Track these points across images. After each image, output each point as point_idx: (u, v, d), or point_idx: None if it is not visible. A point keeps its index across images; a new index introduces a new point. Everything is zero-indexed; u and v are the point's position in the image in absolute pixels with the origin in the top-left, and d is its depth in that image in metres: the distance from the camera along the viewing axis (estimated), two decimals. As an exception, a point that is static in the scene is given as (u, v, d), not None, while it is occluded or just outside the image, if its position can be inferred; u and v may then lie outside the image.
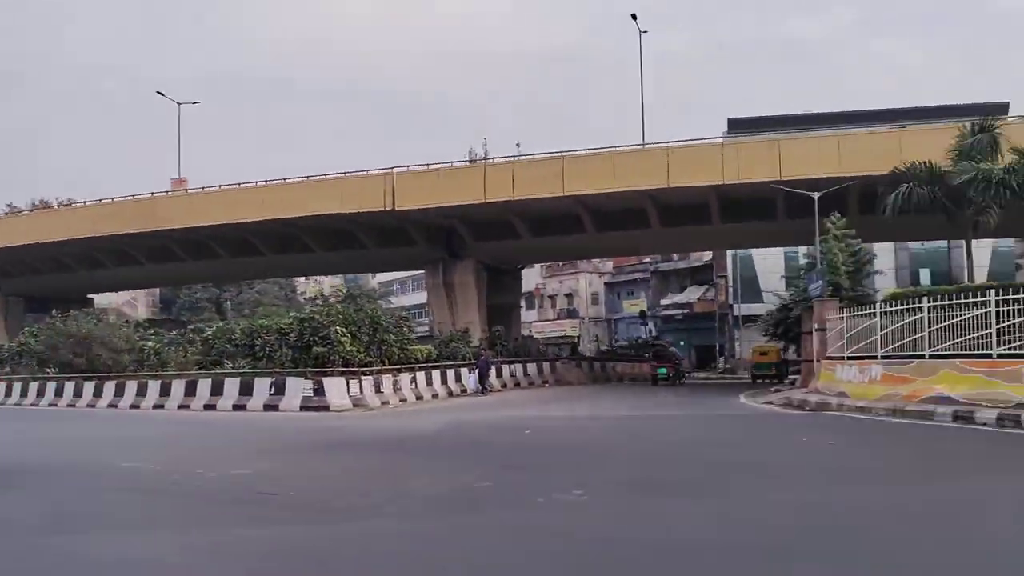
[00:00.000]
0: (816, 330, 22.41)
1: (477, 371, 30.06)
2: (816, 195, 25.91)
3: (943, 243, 47.81)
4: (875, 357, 18.45)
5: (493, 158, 35.92)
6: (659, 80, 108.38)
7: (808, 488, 8.55)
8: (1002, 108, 35.11)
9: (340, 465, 11.94)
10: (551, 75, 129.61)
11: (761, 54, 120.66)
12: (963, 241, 45.87)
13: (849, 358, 19.87)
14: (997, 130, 21.41)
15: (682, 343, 58.36)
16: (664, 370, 37.17)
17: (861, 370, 18.98)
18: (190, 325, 40.34)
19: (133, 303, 78.46)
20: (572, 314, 67.31)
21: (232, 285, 78.64)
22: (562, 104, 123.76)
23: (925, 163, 21.92)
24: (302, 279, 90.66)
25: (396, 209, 34.80)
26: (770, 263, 51.73)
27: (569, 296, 68.30)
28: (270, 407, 23.02)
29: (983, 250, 46.41)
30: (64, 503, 8.95)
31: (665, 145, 32.17)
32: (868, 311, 19.25)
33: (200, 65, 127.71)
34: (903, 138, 28.23)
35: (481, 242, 38.12)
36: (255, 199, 37.23)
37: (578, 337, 64.45)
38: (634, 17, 38.75)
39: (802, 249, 49.70)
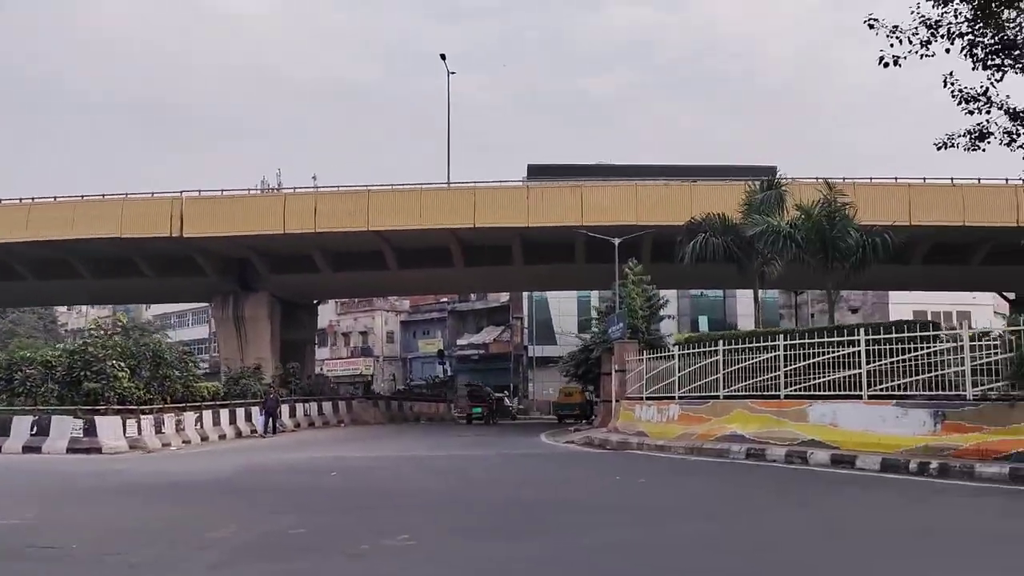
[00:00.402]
0: (616, 371, 23.16)
1: (265, 411, 28.10)
2: (617, 240, 27.05)
3: (720, 292, 51.76)
4: (673, 397, 19.27)
5: (295, 188, 34.59)
6: (456, 123, 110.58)
7: (633, 526, 8.52)
8: (770, 171, 38.56)
9: (128, 513, 10.59)
10: (348, 110, 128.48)
11: (553, 106, 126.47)
12: (736, 291, 50.31)
13: (648, 398, 20.63)
14: (783, 188, 23.43)
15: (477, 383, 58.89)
16: (479, 409, 37.54)
17: (660, 410, 19.74)
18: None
19: None
20: (366, 352, 66.05)
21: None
22: (357, 140, 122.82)
23: (719, 215, 23.53)
24: (63, 309, 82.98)
25: (184, 236, 32.49)
26: (564, 306, 53.56)
27: (364, 334, 67.02)
28: (30, 449, 20.36)
29: (751, 300, 50.80)
30: None
31: (472, 185, 32.45)
32: (667, 353, 20.12)
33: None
34: (694, 192, 30.25)
35: (277, 275, 36.46)
36: (17, 218, 33.34)
37: (372, 376, 63.28)
38: (443, 57, 39.24)
39: (594, 293, 52.07)
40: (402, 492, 12.28)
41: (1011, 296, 39.72)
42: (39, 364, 22.74)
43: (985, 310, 44.94)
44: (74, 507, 11.26)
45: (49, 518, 9.99)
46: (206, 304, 67.63)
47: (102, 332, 31.47)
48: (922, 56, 13.60)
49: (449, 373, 59.20)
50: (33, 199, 33.43)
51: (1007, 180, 29.02)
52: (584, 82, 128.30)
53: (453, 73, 39.55)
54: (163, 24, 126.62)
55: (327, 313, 62.66)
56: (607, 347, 25.82)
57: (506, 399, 44.91)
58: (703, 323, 51.21)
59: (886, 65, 13.62)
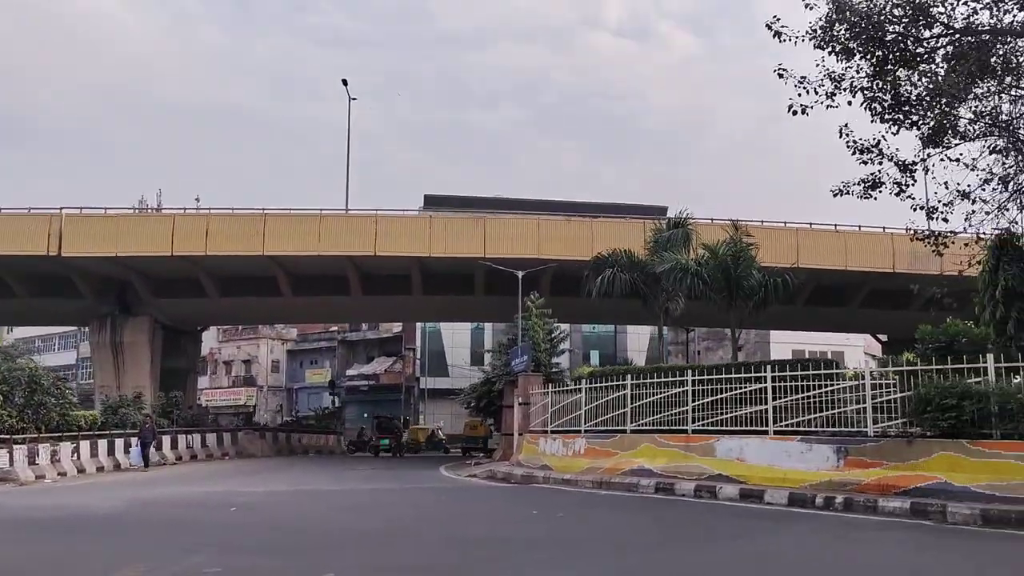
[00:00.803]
0: (520, 404, 23.06)
1: (141, 441, 26.19)
2: (520, 273, 27.16)
3: (611, 328, 52.72)
4: (579, 431, 19.30)
5: (185, 208, 33.08)
6: (344, 150, 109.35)
7: (573, 560, 8.40)
8: (662, 211, 39.78)
9: (17, 551, 9.68)
10: (228, 134, 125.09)
11: (440, 139, 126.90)
12: (627, 327, 51.38)
13: (553, 432, 20.59)
14: (689, 227, 24.09)
15: (365, 415, 57.58)
16: (387, 441, 38.02)
17: (565, 444, 19.72)
18: None
19: None
20: (249, 382, 63.68)
21: None
22: (242, 164, 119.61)
23: (626, 251, 23.98)
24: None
25: (62, 256, 30.57)
26: (458, 338, 53.30)
27: (247, 362, 64.65)
28: None
29: (643, 336, 51.97)
30: None
31: (373, 213, 31.96)
32: (573, 387, 20.18)
33: None
34: (594, 228, 30.78)
35: (160, 298, 34.79)
36: None
37: (255, 406, 61.05)
38: (345, 83, 38.67)
39: (488, 326, 52.13)
40: (313, 529, 11.73)
41: (883, 338, 42.10)
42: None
43: (856, 351, 47.37)
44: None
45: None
46: (74, 328, 63.88)
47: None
48: (828, 107, 14.33)
49: (338, 404, 57.75)
50: None
51: (884, 228, 30.96)
52: (472, 117, 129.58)
53: (355, 99, 38.97)
54: (29, 38, 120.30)
55: (208, 340, 60.02)
56: (510, 379, 25.74)
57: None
58: (595, 357, 51.97)
59: (795, 113, 14.26)
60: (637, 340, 52.77)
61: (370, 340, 60.51)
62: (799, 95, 14.15)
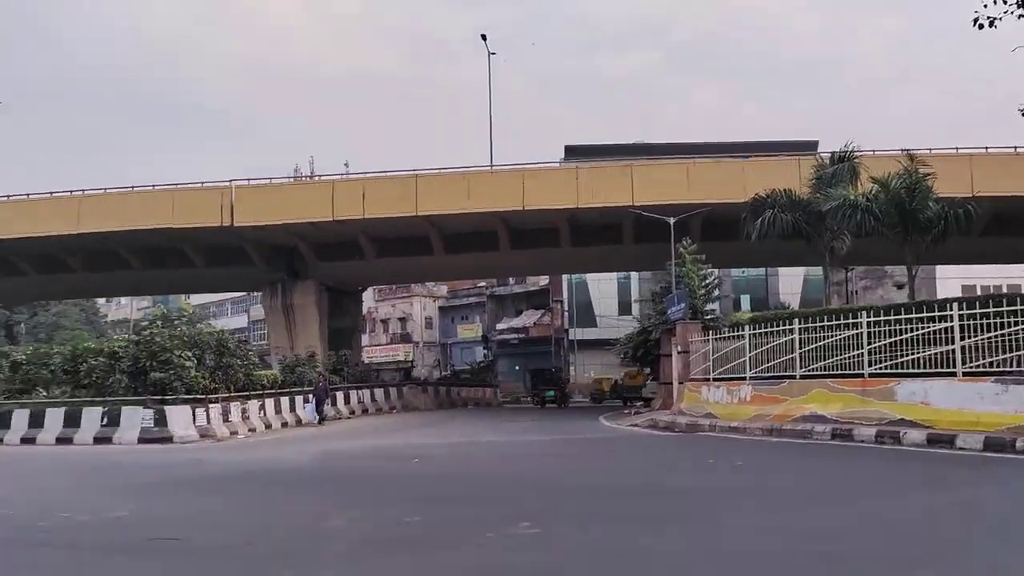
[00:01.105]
0: (679, 352, 22.87)
1: (314, 399, 27.90)
2: (672, 219, 26.68)
3: (761, 271, 51.16)
4: (744, 378, 18.96)
5: (343, 174, 34.48)
6: (482, 106, 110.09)
7: (772, 511, 8.29)
8: (812, 146, 37.90)
9: (228, 504, 10.57)
10: (370, 98, 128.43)
11: (572, 88, 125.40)
12: (778, 269, 49.66)
13: (716, 380, 20.35)
14: (856, 161, 22.87)
15: (517, 367, 58.74)
16: (552, 392, 38.47)
17: (729, 391, 19.45)
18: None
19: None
20: (405, 338, 66.19)
21: (26, 307, 71.48)
22: (384, 128, 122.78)
23: (786, 191, 23.10)
24: (103, 301, 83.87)
25: (235, 225, 32.59)
26: (605, 288, 53.26)
27: (402, 320, 67.15)
28: (102, 440, 20.58)
29: (795, 278, 50.11)
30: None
31: (520, 168, 32.18)
32: (735, 333, 19.80)
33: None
34: (746, 168, 29.77)
35: (324, 262, 36.50)
36: (68, 210, 33.63)
37: (412, 362, 63.40)
38: (484, 37, 38.84)
39: (634, 275, 51.74)
40: (498, 479, 12.15)
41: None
42: (105, 355, 22.93)
43: (1035, 283, 43.91)
44: (172, 498, 11.27)
45: (152, 510, 9.99)
46: (243, 294, 68.32)
47: (170, 322, 31.58)
48: (1020, 16, 13.13)
49: (490, 357, 59.16)
50: (84, 191, 33.68)
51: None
52: (604, 62, 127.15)
53: (494, 54, 39.11)
54: (177, 21, 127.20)
55: (366, 300, 62.85)
56: (666, 328, 25.50)
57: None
58: (745, 302, 50.67)
59: (980, 27, 13.16)
60: (789, 283, 50.96)
61: (517, 294, 61.43)
62: (985, 6, 13.05)
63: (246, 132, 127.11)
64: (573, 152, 47.11)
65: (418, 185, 31.94)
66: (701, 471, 12.19)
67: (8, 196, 34.83)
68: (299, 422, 26.79)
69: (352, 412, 31.10)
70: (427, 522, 8.61)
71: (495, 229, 34.00)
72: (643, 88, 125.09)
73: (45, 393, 25.12)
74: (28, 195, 34.25)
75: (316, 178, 35.11)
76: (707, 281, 27.93)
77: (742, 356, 19.15)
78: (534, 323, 58.48)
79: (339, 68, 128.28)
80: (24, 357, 25.11)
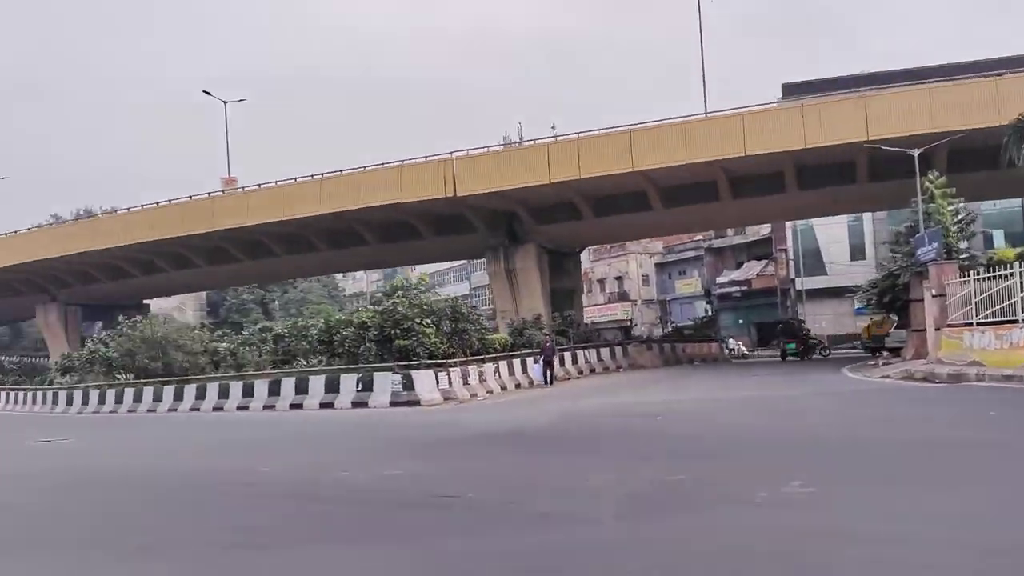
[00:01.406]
0: (934, 296, 21.05)
1: (542, 360, 28.32)
2: (916, 152, 24.48)
3: (1016, 202, 46.00)
4: (1016, 321, 17.13)
5: (557, 136, 34.68)
6: (683, 54, 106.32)
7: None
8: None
9: (490, 463, 10.98)
10: (564, 59, 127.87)
11: (781, 20, 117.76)
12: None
13: (980, 324, 18.55)
14: None
15: (740, 321, 56.96)
16: (793, 345, 37.69)
17: (998, 336, 17.65)
18: (258, 326, 39.76)
19: (182, 308, 78.41)
20: (623, 297, 66.10)
21: (276, 285, 78.55)
22: (581, 90, 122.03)
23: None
24: (340, 276, 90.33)
25: (457, 195, 33.81)
26: (833, 233, 50.21)
27: (619, 279, 67.06)
28: (358, 404, 22.21)
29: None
30: (230, 514, 8.10)
31: (739, 111, 30.80)
32: (1002, 271, 17.90)
33: (227, 65, 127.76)
34: (1000, 87, 26.64)
35: (543, 225, 37.05)
36: (311, 193, 36.47)
37: (631, 320, 63.24)
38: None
39: (867, 217, 48.29)
40: (750, 434, 11.80)
41: None
42: (355, 326, 24.69)
43: None
44: (436, 458, 11.88)
45: (422, 469, 10.55)
46: (464, 262, 71.10)
47: (409, 292, 33.58)
48: None
49: (711, 312, 57.79)
50: (323, 175, 36.28)
51: None
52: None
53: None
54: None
55: (581, 261, 63.36)
56: (916, 271, 23.54)
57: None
58: (998, 238, 45.78)
59: None
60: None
61: (737, 245, 59.37)
62: None
63: (455, 105, 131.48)
64: (792, 91, 44.55)
65: (633, 140, 31.47)
66: (986, 424, 11.14)
67: (259, 185, 38.28)
68: (530, 383, 27.48)
69: (580, 372, 31.52)
70: (694, 480, 8.49)
71: (714, 179, 32.90)
72: (851, 12, 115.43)
73: (304, 362, 27.55)
74: (276, 182, 37.43)
75: (531, 142, 35.51)
76: (959, 217, 25.39)
77: (1012, 297, 17.29)
78: (756, 274, 56.33)
79: (530, 29, 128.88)
80: (285, 331, 27.62)
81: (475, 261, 67.71)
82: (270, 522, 7.62)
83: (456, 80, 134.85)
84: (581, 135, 33.15)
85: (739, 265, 58.99)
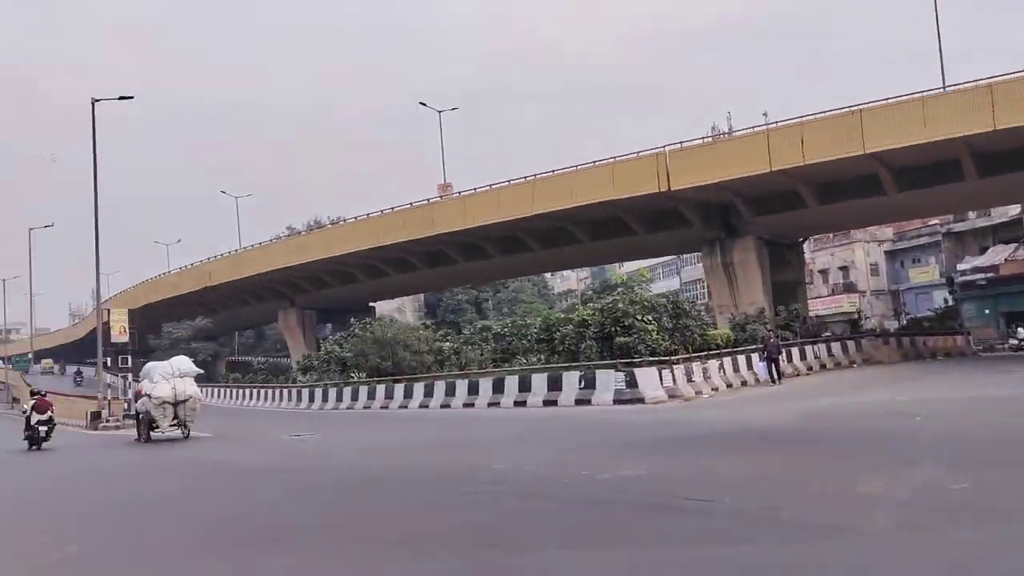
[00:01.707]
0: None
1: (766, 356, 26.64)
2: None
3: None
4: None
5: (775, 122, 32.97)
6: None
7: None
8: None
9: (735, 463, 10.42)
10: (757, 46, 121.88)
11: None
12: None
13: None
14: None
15: (987, 311, 51.64)
16: None
17: None
18: (477, 325, 41.07)
19: (402, 309, 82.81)
20: (848, 288, 61.90)
21: (489, 286, 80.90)
22: (786, 76, 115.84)
23: None
24: (548, 275, 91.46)
25: (671, 189, 33.02)
26: (1102, 210, 44.28)
27: (843, 269, 62.88)
28: (581, 401, 22.15)
29: None
30: (478, 513, 8.14)
31: (987, 82, 27.74)
32: None
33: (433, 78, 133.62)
34: None
35: (761, 216, 35.37)
36: (524, 195, 37.07)
37: (859, 312, 59.14)
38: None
39: None
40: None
41: None
42: (575, 324, 24.69)
43: None
44: (676, 457, 11.46)
45: (664, 469, 10.19)
46: (673, 257, 69.64)
47: (631, 289, 33.35)
48: None
49: (951, 302, 52.81)
50: (535, 176, 36.79)
51: None
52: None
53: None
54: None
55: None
56: None
57: None
58: None
59: None
60: None
61: (980, 228, 53.79)
62: None
63: (658, 103, 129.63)
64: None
65: (863, 120, 29.26)
66: None
67: (475, 189, 39.48)
68: (756, 380, 26.23)
69: (809, 368, 29.70)
70: (976, 488, 7.58)
71: (957, 157, 29.89)
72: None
73: (524, 360, 27.98)
74: (491, 186, 38.45)
75: (748, 130, 33.98)
76: None
77: None
78: (1005, 259, 50.72)
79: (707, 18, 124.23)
80: (505, 329, 28.18)
81: (685, 256, 66.25)
82: (519, 522, 7.56)
83: (657, 79, 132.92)
84: (803, 119, 31.25)
85: (983, 250, 53.44)
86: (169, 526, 8.70)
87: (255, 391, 43.86)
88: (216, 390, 48.44)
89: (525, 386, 23.67)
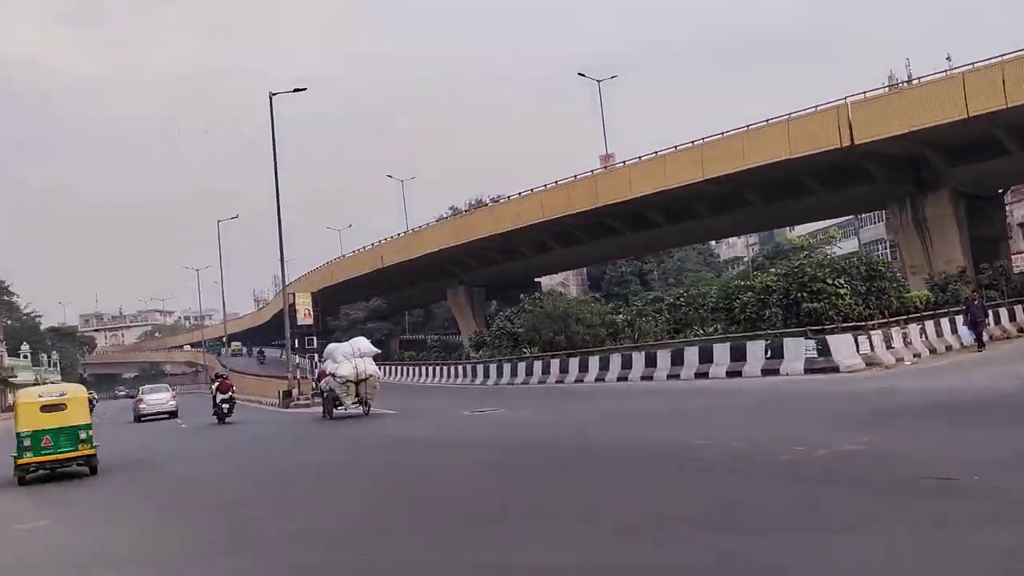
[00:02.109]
0: None
1: (970, 319, 24.24)
2: None
3: None
4: None
5: (973, 63, 29.97)
6: None
7: None
8: None
9: (967, 438, 9.42)
10: None
11: None
12: None
13: None
14: None
15: None
16: None
17: None
18: (650, 296, 40.36)
19: (565, 284, 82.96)
20: (1054, 242, 56.16)
21: (653, 256, 79.42)
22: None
23: None
24: (712, 243, 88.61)
25: (854, 144, 30.79)
26: None
27: (1048, 221, 57.11)
28: (768, 372, 21.09)
29: None
30: (701, 492, 7.68)
31: None
32: None
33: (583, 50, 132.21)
34: None
35: (956, 167, 32.38)
36: (690, 160, 35.79)
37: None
38: None
39: None
40: None
41: None
42: (756, 290, 23.54)
43: None
44: (895, 430, 10.56)
45: (882, 444, 9.40)
46: (850, 218, 65.61)
47: (823, 251, 31.58)
48: None
49: None
50: (703, 139, 35.42)
51: None
52: None
53: None
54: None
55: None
56: None
57: None
58: None
59: None
60: None
61: None
62: None
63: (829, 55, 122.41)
64: None
65: (1077, 52, 26.12)
66: None
67: (639, 158, 38.54)
68: (961, 345, 24.08)
69: (1020, 330, 27.00)
70: None
71: None
72: None
73: (701, 331, 27.07)
74: (656, 153, 37.39)
75: (941, 74, 31.09)
76: None
77: None
78: None
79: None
80: (682, 299, 27.33)
81: (863, 216, 62.39)
82: (749, 502, 7.03)
83: (826, 29, 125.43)
84: (1004, 58, 28.26)
85: None
86: (401, 500, 8.84)
87: (427, 368, 45.18)
88: (390, 367, 50.33)
89: (706, 357, 22.82)
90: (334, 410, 22.47)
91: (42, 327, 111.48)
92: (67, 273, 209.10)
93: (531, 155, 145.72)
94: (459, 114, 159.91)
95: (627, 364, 25.58)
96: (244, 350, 77.38)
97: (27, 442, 13.41)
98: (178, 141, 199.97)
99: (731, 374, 21.78)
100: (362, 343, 22.65)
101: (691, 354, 23.36)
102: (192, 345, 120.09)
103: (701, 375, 22.55)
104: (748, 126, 33.99)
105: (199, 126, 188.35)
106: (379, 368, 23.76)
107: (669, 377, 23.54)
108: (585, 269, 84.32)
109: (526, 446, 12.43)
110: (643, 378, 24.49)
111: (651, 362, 24.68)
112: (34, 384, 61.18)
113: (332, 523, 7.85)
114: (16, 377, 77.77)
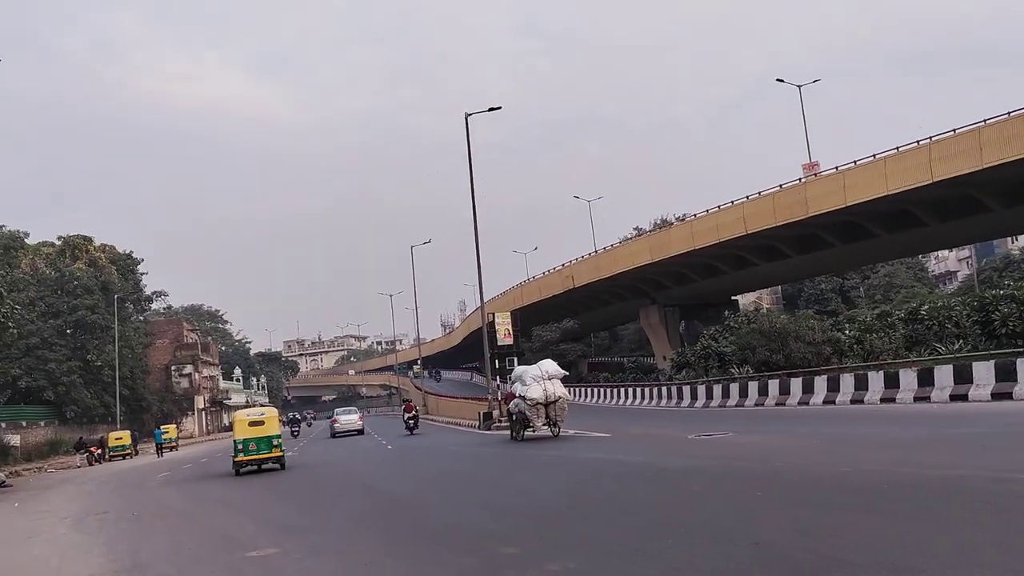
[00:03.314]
0: None
1: None
2: None
3: None
4: None
5: None
6: None
7: None
8: None
9: None
10: None
11: None
12: None
13: None
14: None
15: None
16: None
17: None
18: (875, 311, 37.11)
19: (758, 303, 79.10)
20: None
21: (855, 272, 74.36)
22: None
23: None
24: (919, 256, 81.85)
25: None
26: None
27: None
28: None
29: None
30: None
31: None
32: None
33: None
34: None
35: None
36: (916, 161, 32.52)
37: None
38: None
39: None
40: None
41: None
42: (1018, 301, 20.55)
43: None
44: None
45: None
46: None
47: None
48: None
49: None
50: (931, 139, 32.14)
51: None
52: None
53: None
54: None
55: None
56: None
57: None
58: None
59: None
60: None
61: None
62: None
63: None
64: None
65: None
66: None
67: (855, 162, 35.57)
68: None
69: None
70: None
71: None
72: None
73: (941, 348, 24.12)
74: (874, 156, 34.34)
75: None
76: None
77: None
78: None
79: None
80: (920, 313, 24.49)
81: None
82: None
83: None
84: None
85: None
86: (678, 537, 7.53)
87: (623, 389, 43.61)
88: (580, 389, 49.29)
89: (963, 376, 20.01)
90: (524, 432, 22.81)
91: (251, 352, 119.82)
92: (272, 301, 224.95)
93: (719, 172, 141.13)
94: (642, 135, 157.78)
95: (861, 385, 22.97)
96: (424, 373, 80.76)
97: (240, 447, 20.24)
98: (371, 170, 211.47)
99: (997, 396, 18.92)
100: (550, 365, 22.67)
101: (943, 373, 20.58)
102: (380, 369, 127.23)
103: (958, 397, 19.77)
104: (985, 120, 30.42)
105: (391, 154, 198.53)
106: (567, 390, 23.44)
107: (917, 399, 20.85)
108: (779, 288, 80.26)
109: (792, 476, 10.80)
110: (883, 400, 21.85)
111: (891, 382, 22.00)
112: (245, 405, 65.94)
113: (604, 569, 6.59)
114: (231, 399, 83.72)
